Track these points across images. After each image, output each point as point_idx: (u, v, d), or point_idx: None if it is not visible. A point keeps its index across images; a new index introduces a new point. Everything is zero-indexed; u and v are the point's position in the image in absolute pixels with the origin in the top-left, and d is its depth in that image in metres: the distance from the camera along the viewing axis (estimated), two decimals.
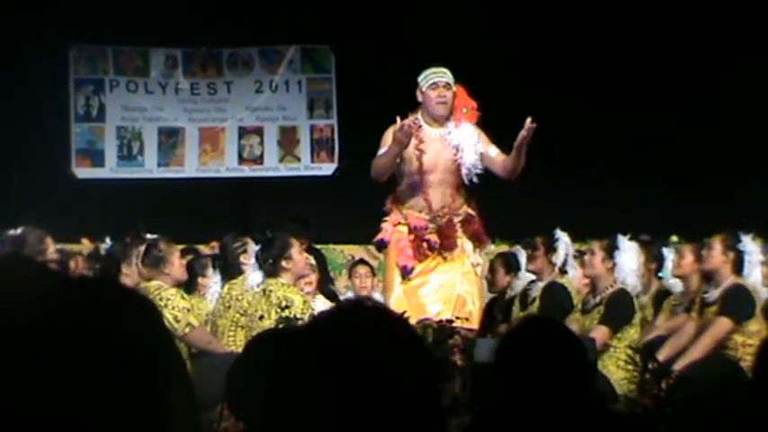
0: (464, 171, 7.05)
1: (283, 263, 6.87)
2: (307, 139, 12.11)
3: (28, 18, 10.62)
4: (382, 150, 6.98)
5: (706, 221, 7.96)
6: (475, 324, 6.92)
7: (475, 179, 7.08)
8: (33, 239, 6.92)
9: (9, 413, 1.17)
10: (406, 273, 6.98)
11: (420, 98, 7.11)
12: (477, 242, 7.15)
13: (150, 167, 12.04)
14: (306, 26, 11.51)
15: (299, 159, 12.12)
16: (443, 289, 6.98)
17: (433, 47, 9.97)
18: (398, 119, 6.87)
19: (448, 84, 7.06)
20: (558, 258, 7.83)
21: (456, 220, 7.07)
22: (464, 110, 7.10)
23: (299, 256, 7.00)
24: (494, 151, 7.05)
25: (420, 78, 7.10)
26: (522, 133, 6.72)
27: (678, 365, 6.45)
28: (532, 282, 8.07)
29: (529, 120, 6.69)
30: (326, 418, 1.75)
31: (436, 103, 7.04)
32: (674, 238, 8.88)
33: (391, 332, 1.76)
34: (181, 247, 7.41)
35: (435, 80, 7.05)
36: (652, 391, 5.93)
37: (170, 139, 12.07)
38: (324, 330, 1.79)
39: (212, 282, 7.72)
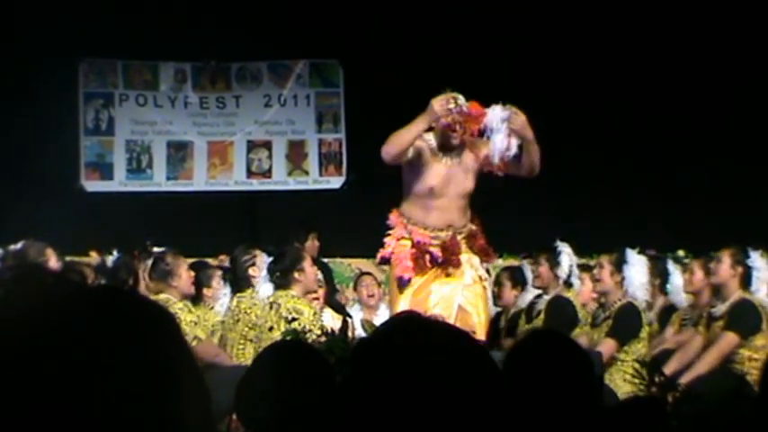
0: (496, 156, 6.82)
1: (296, 274, 6.88)
2: (315, 153, 12.11)
3: (38, 32, 10.65)
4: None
5: (712, 237, 7.96)
6: (481, 336, 6.90)
7: (512, 156, 6.85)
8: (34, 252, 6.94)
9: (22, 418, 1.18)
10: (402, 284, 6.92)
11: (434, 123, 6.88)
12: (485, 257, 7.12)
13: (159, 181, 12.04)
14: (314, 40, 11.52)
15: (307, 173, 12.12)
16: (444, 302, 6.94)
17: (441, 61, 10.01)
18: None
19: (461, 110, 6.82)
20: (563, 271, 7.83)
21: (459, 237, 7.03)
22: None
23: (310, 269, 7.01)
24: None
25: (437, 106, 6.73)
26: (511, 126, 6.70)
27: (685, 379, 6.45)
28: (539, 296, 8.07)
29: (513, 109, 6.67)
30: (336, 428, 1.76)
31: (451, 138, 6.90)
32: (681, 253, 8.87)
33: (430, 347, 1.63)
34: (190, 260, 7.42)
35: (453, 118, 6.81)
36: None
37: (179, 153, 12.08)
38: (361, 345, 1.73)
39: (221, 293, 7.74)
